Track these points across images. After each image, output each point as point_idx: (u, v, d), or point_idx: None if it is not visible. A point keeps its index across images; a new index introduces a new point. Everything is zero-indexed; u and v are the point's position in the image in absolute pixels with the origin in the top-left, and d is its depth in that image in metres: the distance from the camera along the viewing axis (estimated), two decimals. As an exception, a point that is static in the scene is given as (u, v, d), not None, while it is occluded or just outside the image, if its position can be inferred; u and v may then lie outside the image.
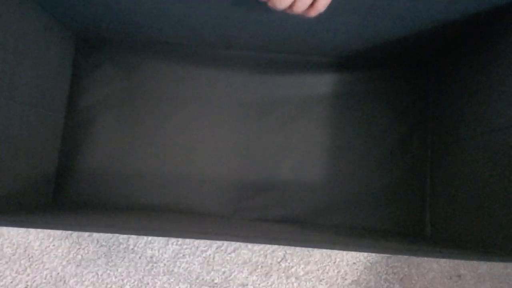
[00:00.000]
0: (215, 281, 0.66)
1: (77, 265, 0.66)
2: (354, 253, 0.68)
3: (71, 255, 0.67)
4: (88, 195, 0.68)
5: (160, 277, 0.66)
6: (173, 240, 0.67)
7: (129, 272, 0.66)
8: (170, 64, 0.72)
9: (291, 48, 0.70)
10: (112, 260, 0.67)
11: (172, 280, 0.66)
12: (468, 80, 0.61)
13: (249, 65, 0.72)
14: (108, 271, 0.66)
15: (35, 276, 0.66)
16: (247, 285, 0.66)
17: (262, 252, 0.67)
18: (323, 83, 0.71)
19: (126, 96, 0.71)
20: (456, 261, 0.68)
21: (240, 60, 0.72)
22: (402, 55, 0.69)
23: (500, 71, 0.52)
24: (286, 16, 0.58)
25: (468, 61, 0.61)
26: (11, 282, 0.66)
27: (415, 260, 0.68)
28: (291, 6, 0.51)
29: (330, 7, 0.53)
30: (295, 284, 0.66)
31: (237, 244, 0.67)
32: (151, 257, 0.67)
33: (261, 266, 0.66)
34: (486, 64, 0.56)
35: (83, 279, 0.66)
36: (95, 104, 0.71)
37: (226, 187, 0.68)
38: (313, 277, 0.66)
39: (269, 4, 0.51)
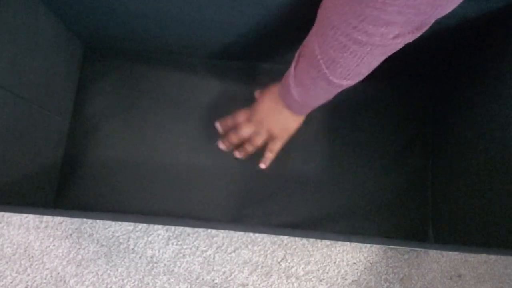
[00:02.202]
0: (215, 281, 0.66)
1: (77, 265, 0.66)
2: (354, 253, 0.68)
3: (71, 255, 0.67)
4: (89, 200, 0.68)
5: (160, 277, 0.66)
6: (173, 240, 0.67)
7: (129, 272, 0.66)
8: (174, 73, 0.73)
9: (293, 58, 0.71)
10: (112, 260, 0.67)
11: (172, 280, 0.66)
12: (467, 84, 0.61)
13: (252, 75, 0.73)
14: (108, 271, 0.66)
15: (35, 276, 0.66)
16: (247, 285, 0.66)
17: (262, 252, 0.67)
18: None
19: (131, 104, 0.72)
20: (456, 261, 0.68)
21: (244, 70, 0.73)
22: (401, 64, 0.70)
23: (498, 72, 0.53)
24: (287, 26, 0.58)
25: (467, 66, 0.61)
26: (11, 282, 0.66)
27: (415, 260, 0.68)
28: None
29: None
30: (295, 284, 0.66)
31: (237, 244, 0.67)
32: (151, 257, 0.67)
33: (261, 266, 0.66)
34: (484, 67, 0.56)
35: (83, 279, 0.66)
36: (100, 111, 0.72)
37: (228, 195, 0.68)
38: (313, 277, 0.66)
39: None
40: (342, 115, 0.71)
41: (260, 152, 0.72)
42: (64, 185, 0.69)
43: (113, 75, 0.73)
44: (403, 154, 0.70)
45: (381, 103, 0.71)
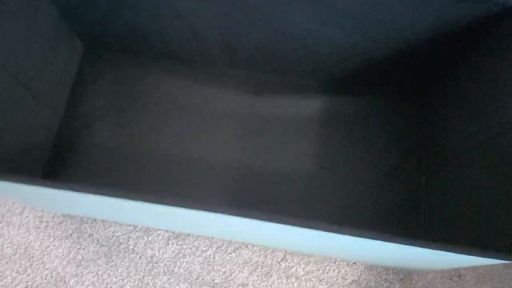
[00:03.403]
0: (216, 281, 0.66)
1: (78, 265, 0.66)
2: (354, 253, 0.68)
3: (71, 255, 0.67)
4: None
5: (160, 277, 0.66)
6: (173, 240, 0.67)
7: (129, 272, 0.66)
8: (172, 77, 0.73)
9: (290, 69, 0.71)
10: (112, 260, 0.67)
11: (172, 280, 0.66)
12: (463, 100, 0.60)
13: (248, 84, 0.73)
14: (108, 271, 0.66)
15: (36, 276, 0.66)
16: (247, 285, 0.66)
17: (262, 252, 0.67)
18: (320, 105, 0.72)
19: (124, 106, 0.72)
20: (456, 261, 0.68)
21: (241, 79, 0.73)
22: (396, 78, 0.70)
23: (494, 89, 0.52)
24: (286, 30, 0.58)
25: (464, 82, 0.61)
26: (11, 282, 0.66)
27: (415, 260, 0.68)
28: None
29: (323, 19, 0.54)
30: (295, 284, 0.66)
31: (237, 244, 0.67)
32: (151, 257, 0.67)
33: (261, 266, 0.67)
34: (479, 83, 0.56)
35: (84, 279, 0.66)
36: (93, 110, 0.72)
37: (222, 200, 0.68)
38: (313, 277, 0.66)
39: None
40: (336, 129, 0.71)
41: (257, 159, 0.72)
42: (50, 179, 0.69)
43: (110, 76, 0.73)
44: (397, 169, 0.69)
45: (376, 118, 0.71)
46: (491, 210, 0.49)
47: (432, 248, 0.43)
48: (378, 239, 0.43)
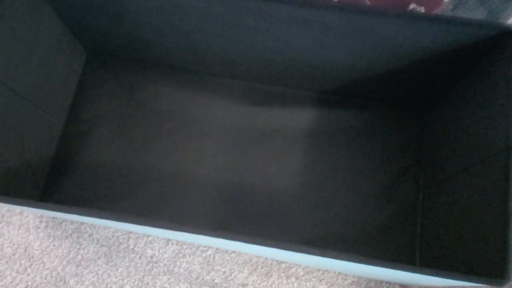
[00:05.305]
0: (215, 281, 0.66)
1: (77, 265, 0.66)
2: (354, 253, 0.68)
3: (71, 255, 0.67)
4: (74, 203, 0.68)
5: (160, 277, 0.66)
6: (173, 240, 0.67)
7: (129, 272, 0.66)
8: (172, 87, 0.73)
9: (289, 82, 0.71)
10: (112, 260, 0.67)
11: (172, 280, 0.66)
12: (457, 118, 0.60)
13: (247, 95, 0.73)
14: (108, 271, 0.66)
15: (35, 276, 0.66)
16: (247, 285, 0.66)
17: (262, 252, 0.67)
18: (317, 118, 0.71)
19: (126, 113, 0.72)
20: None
21: (239, 90, 0.73)
22: (396, 95, 0.69)
23: (490, 105, 0.51)
24: (284, 43, 0.59)
25: (461, 100, 0.60)
26: (11, 282, 0.66)
27: (415, 260, 0.68)
28: None
29: (324, 37, 0.54)
30: (295, 284, 0.66)
31: (237, 244, 0.67)
32: (151, 257, 0.67)
33: (261, 266, 0.66)
34: (476, 100, 0.55)
35: (83, 279, 0.66)
36: (94, 117, 0.72)
37: (214, 211, 0.67)
38: (313, 277, 0.66)
39: None
40: (334, 143, 0.70)
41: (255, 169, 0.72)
42: (50, 187, 0.69)
43: (112, 83, 0.74)
44: (394, 185, 0.68)
45: (374, 134, 0.71)
46: (484, 229, 0.48)
47: (411, 271, 0.43)
48: (358, 262, 0.43)
